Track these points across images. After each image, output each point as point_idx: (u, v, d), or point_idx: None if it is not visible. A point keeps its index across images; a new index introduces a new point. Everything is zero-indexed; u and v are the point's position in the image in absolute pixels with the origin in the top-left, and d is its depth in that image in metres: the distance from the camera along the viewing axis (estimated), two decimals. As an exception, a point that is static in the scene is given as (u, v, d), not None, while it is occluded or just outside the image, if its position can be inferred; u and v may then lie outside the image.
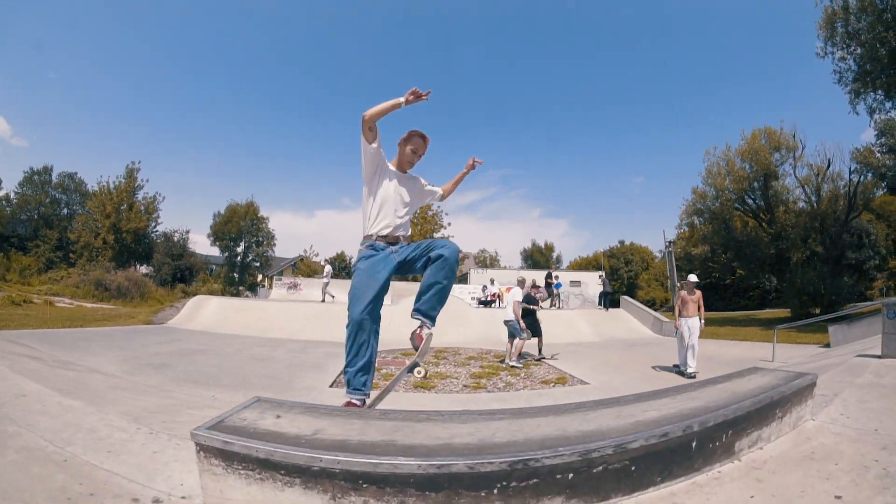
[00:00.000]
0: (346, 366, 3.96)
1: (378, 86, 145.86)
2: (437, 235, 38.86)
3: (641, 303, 28.76)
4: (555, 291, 29.16)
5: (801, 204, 35.13)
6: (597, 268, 58.48)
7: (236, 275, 49.30)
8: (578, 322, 21.13)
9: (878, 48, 25.18)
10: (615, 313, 24.92)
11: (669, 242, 39.93)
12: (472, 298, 28.54)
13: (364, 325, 3.87)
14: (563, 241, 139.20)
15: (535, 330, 13.23)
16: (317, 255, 57.43)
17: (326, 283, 26.78)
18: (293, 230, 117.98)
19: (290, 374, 10.13)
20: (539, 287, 15.41)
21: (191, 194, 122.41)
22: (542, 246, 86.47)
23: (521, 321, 12.22)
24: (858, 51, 26.50)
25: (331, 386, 9.02)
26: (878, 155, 31.83)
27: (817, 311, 27.38)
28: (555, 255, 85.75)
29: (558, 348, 15.13)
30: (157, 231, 43.84)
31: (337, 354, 8.03)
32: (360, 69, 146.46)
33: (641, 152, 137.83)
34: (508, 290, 26.95)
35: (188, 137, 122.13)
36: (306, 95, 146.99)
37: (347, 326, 3.90)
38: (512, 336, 12.27)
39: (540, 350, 13.42)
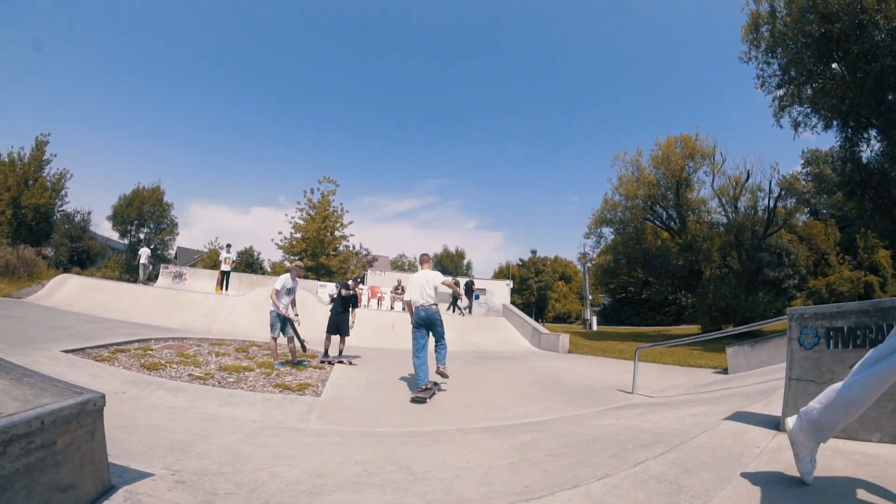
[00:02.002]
0: None
1: (314, 87, 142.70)
2: (336, 235, 37.21)
3: (555, 315, 25.93)
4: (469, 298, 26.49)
5: (716, 216, 32.69)
6: (507, 277, 55.24)
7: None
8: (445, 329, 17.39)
9: (803, 52, 23.59)
10: (495, 322, 22.61)
11: (583, 254, 37.29)
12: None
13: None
14: (497, 252, 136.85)
15: (341, 329, 11.54)
16: (221, 247, 53.04)
17: (144, 266, 24.59)
18: (229, 225, 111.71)
19: (47, 335, 9.52)
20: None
21: (107, 177, 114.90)
22: (454, 252, 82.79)
23: (281, 310, 9.78)
24: (783, 55, 24.96)
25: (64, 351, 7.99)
26: (803, 182, 31.58)
27: (729, 328, 24.07)
28: (465, 261, 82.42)
29: (397, 354, 13.11)
30: (63, 210, 39.88)
31: (120, 332, 10.02)
32: (299, 69, 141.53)
33: (576, 167, 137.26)
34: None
35: (108, 118, 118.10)
36: (246, 88, 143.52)
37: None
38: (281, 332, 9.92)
39: (341, 352, 11.61)
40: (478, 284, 29.40)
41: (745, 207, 31.05)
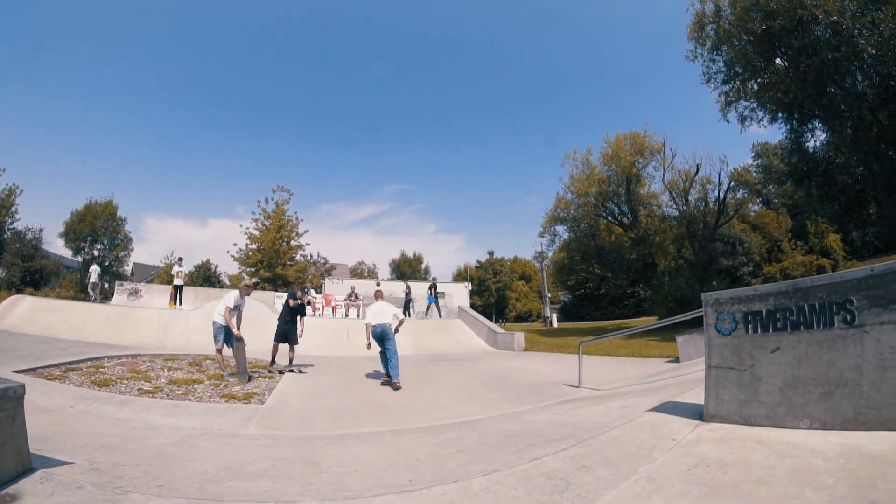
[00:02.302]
0: None
1: (270, 95, 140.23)
2: (292, 244, 36.05)
3: (517, 315, 25.76)
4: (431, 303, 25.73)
5: (668, 209, 33.14)
6: (466, 279, 55.06)
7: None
8: (399, 334, 16.93)
9: (748, 48, 23.98)
10: (451, 325, 22.27)
11: (539, 253, 37.38)
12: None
13: None
14: (458, 255, 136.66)
15: (289, 338, 11.26)
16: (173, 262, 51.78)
17: (94, 284, 23.16)
18: (186, 239, 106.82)
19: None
20: (307, 294, 13.44)
21: (58, 191, 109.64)
22: (411, 257, 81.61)
23: (234, 327, 9.45)
24: (728, 52, 25.33)
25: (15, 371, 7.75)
26: (755, 174, 30.29)
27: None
28: (423, 265, 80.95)
29: (349, 361, 13.30)
30: (13, 228, 38.31)
31: (73, 351, 10.01)
32: (253, 78, 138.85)
33: (535, 167, 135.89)
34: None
35: (57, 130, 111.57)
36: (198, 97, 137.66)
37: None
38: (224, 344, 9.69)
39: (291, 361, 11.25)
40: (440, 288, 29.02)
41: (696, 200, 31.44)
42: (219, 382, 8.64)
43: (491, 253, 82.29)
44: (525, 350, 17.63)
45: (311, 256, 39.14)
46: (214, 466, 3.87)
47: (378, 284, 27.31)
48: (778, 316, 3.98)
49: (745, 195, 39.05)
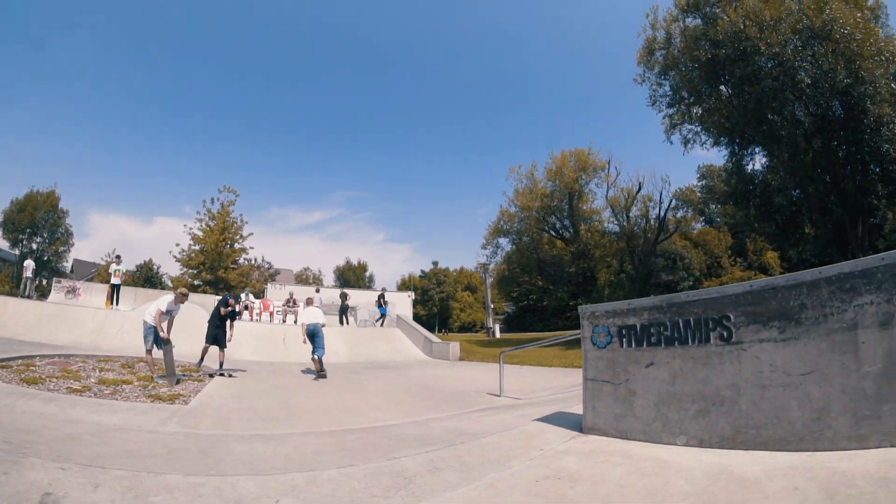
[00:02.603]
0: None
1: (221, 96, 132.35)
2: (236, 247, 35.20)
3: (461, 325, 25.77)
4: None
5: (610, 225, 33.94)
6: (410, 289, 54.87)
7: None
8: (335, 341, 17.45)
9: (694, 75, 24.90)
10: (389, 333, 22.27)
11: (483, 265, 37.70)
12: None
13: None
14: (407, 265, 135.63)
15: (219, 341, 11.30)
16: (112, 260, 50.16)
17: (29, 279, 22.55)
18: (131, 236, 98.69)
19: None
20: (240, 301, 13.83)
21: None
22: (356, 264, 79.60)
23: (163, 331, 9.50)
24: (675, 78, 26.21)
25: None
26: (699, 194, 31.27)
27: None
28: (367, 273, 79.20)
29: (283, 367, 13.37)
30: None
31: (3, 349, 9.69)
32: (207, 78, 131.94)
33: (487, 179, 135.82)
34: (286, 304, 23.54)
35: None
36: (149, 88, 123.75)
37: None
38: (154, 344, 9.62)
39: (221, 364, 11.11)
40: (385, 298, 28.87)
41: (637, 216, 32.27)
42: (147, 384, 8.57)
43: (435, 263, 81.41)
44: (460, 360, 17.81)
45: (256, 260, 38.39)
46: (116, 450, 4.11)
47: (317, 291, 27.81)
48: (652, 331, 4.00)
49: (690, 213, 40.40)
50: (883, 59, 20.16)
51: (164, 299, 9.77)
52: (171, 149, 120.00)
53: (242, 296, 24.06)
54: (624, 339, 4.14)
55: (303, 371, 12.48)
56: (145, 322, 9.53)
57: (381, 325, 23.75)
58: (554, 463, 3.45)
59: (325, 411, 7.48)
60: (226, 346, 11.46)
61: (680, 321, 3.93)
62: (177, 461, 3.87)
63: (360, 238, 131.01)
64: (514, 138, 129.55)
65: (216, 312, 11.63)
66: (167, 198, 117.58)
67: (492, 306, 45.95)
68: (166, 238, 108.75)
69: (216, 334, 11.31)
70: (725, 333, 3.69)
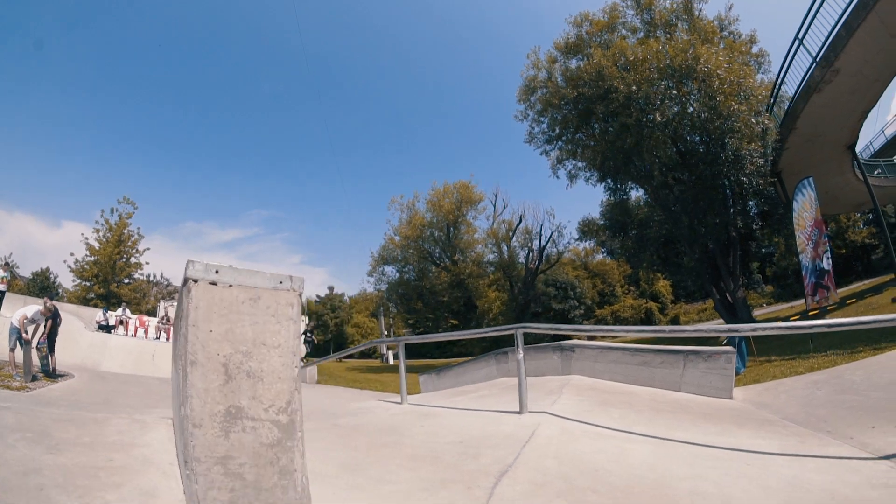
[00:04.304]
0: None
1: (151, 106, 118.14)
2: (132, 262, 32.96)
3: (362, 351, 25.09)
4: None
5: (491, 256, 33.65)
6: (305, 314, 52.23)
7: None
8: None
9: (571, 112, 25.17)
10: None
11: (378, 291, 36.37)
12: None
13: None
14: (322, 289, 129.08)
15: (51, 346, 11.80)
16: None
17: None
18: (33, 239, 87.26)
19: None
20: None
21: None
22: None
23: (26, 333, 10.66)
24: (553, 114, 26.36)
25: None
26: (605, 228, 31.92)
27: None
28: None
29: (137, 380, 13.62)
30: None
31: None
32: (132, 86, 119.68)
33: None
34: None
35: None
36: (60, 79, 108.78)
37: None
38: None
39: (54, 369, 11.70)
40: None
41: (519, 247, 32.16)
42: (5, 378, 9.76)
43: (331, 288, 78.62)
44: (317, 382, 18.13)
45: (154, 277, 34.97)
46: None
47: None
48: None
49: (591, 245, 40.37)
50: (744, 96, 20.55)
51: (31, 308, 10.98)
52: (87, 149, 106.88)
53: (119, 310, 22.78)
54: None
55: (149, 383, 12.74)
56: (11, 324, 10.53)
57: None
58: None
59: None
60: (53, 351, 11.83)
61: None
62: None
63: (276, 259, 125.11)
64: (418, 167, 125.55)
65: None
66: (78, 200, 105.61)
67: (385, 333, 44.29)
68: (73, 245, 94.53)
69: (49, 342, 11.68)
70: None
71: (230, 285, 2.19)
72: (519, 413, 5.14)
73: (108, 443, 3.22)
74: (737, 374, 11.12)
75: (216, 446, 2.01)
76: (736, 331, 4.81)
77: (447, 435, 4.57)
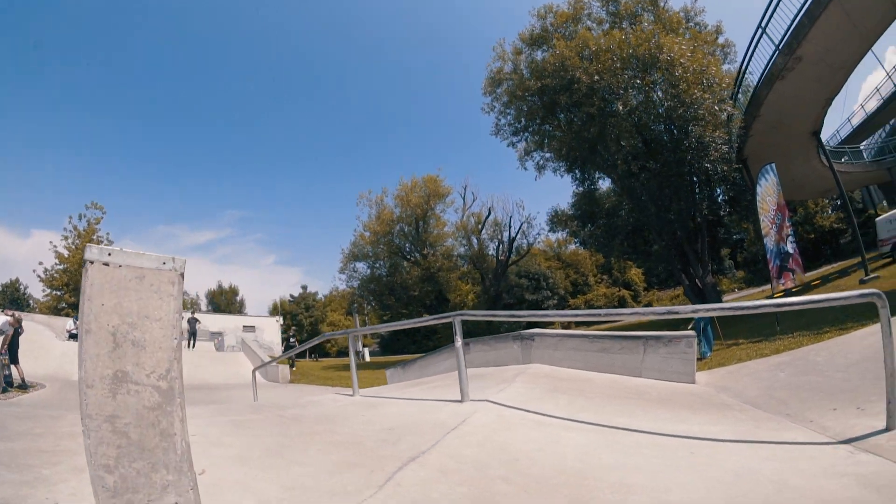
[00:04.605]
0: None
1: (105, 103, 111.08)
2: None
3: (340, 349, 25.28)
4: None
5: (462, 248, 33.52)
6: (279, 314, 51.47)
7: None
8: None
9: (536, 104, 24.83)
10: (232, 357, 22.14)
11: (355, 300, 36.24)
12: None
13: None
14: (296, 289, 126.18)
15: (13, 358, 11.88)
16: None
17: None
18: (1, 251, 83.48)
19: None
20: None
21: None
22: (227, 288, 75.32)
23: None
24: (519, 105, 25.88)
25: None
26: (573, 218, 32.16)
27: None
28: (238, 297, 75.06)
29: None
30: None
31: None
32: (95, 85, 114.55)
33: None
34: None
35: None
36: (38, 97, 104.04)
37: None
38: None
39: (23, 379, 11.77)
40: (251, 322, 27.16)
41: (489, 240, 32.00)
42: None
43: (304, 287, 77.30)
44: (290, 382, 18.17)
45: None
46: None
47: (193, 314, 27.26)
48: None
49: (564, 236, 40.36)
50: (707, 84, 20.36)
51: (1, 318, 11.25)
52: (55, 156, 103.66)
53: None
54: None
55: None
56: None
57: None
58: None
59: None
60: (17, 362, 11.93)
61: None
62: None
63: (249, 260, 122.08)
64: (388, 163, 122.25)
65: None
66: (47, 208, 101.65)
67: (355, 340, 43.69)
68: (42, 255, 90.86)
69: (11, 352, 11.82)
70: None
71: (120, 266, 2.40)
72: (460, 402, 5.04)
73: (60, 433, 3.71)
74: (703, 358, 11.08)
75: (105, 405, 2.24)
76: (676, 312, 4.05)
77: (382, 423, 4.55)
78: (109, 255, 2.38)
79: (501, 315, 6.08)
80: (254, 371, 11.53)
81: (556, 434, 3.86)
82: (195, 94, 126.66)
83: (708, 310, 3.66)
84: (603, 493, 2.62)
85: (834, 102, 20.00)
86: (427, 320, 7.19)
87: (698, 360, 10.80)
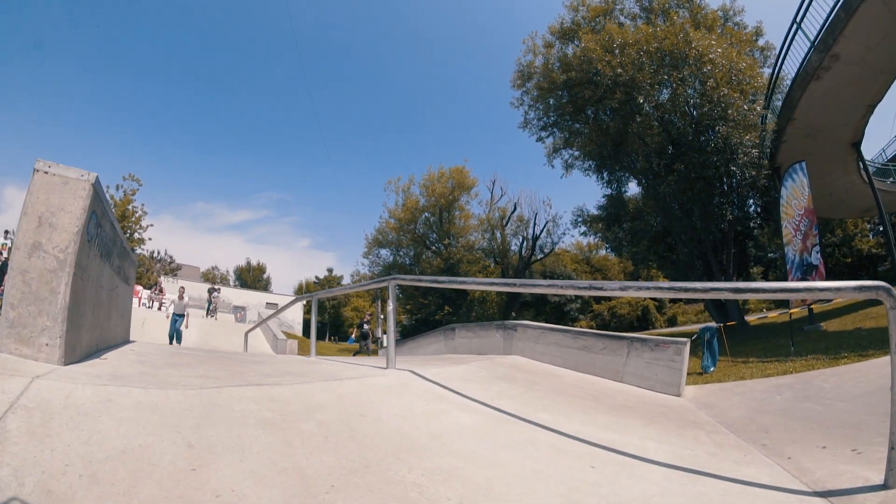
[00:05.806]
0: None
1: (163, 90, 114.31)
2: (136, 237, 30.74)
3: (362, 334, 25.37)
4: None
5: (485, 242, 33.11)
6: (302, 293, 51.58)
7: None
8: (192, 331, 18.21)
9: (563, 98, 23.98)
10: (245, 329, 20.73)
11: (363, 274, 36.11)
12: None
13: None
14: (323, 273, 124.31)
15: None
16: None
17: None
18: None
19: None
20: None
21: None
22: (255, 265, 75.26)
23: None
24: (548, 99, 24.95)
25: None
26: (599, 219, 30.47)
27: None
28: (265, 275, 74.92)
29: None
30: None
31: None
32: (142, 70, 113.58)
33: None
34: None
35: None
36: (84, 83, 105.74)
37: None
38: None
39: None
40: (274, 299, 27.26)
41: (512, 235, 31.19)
42: None
43: (330, 270, 77.55)
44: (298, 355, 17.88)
45: (158, 253, 34.42)
46: None
47: (216, 289, 29.44)
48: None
49: (596, 240, 39.04)
50: (736, 81, 19.34)
51: None
52: (99, 130, 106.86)
53: None
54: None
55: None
56: None
57: None
58: None
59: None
60: None
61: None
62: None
63: (284, 242, 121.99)
64: (418, 151, 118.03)
65: None
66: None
67: (381, 317, 43.76)
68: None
69: None
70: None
71: (54, 174, 3.26)
72: (385, 368, 4.87)
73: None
74: (705, 372, 10.08)
75: (23, 263, 3.07)
76: (600, 287, 3.43)
77: (295, 370, 4.52)
78: (49, 167, 3.24)
79: (425, 280, 5.89)
80: (246, 334, 13.44)
81: (444, 410, 3.37)
82: (245, 70, 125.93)
83: (639, 287, 2.75)
84: (412, 475, 2.22)
85: (880, 115, 18.45)
86: (365, 285, 7.69)
87: (699, 374, 9.89)
